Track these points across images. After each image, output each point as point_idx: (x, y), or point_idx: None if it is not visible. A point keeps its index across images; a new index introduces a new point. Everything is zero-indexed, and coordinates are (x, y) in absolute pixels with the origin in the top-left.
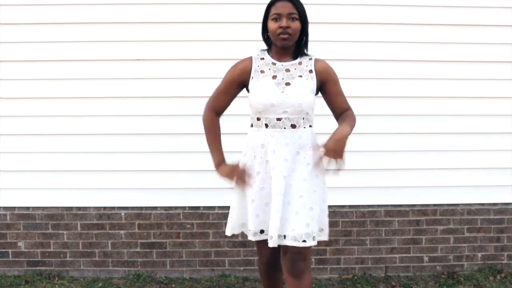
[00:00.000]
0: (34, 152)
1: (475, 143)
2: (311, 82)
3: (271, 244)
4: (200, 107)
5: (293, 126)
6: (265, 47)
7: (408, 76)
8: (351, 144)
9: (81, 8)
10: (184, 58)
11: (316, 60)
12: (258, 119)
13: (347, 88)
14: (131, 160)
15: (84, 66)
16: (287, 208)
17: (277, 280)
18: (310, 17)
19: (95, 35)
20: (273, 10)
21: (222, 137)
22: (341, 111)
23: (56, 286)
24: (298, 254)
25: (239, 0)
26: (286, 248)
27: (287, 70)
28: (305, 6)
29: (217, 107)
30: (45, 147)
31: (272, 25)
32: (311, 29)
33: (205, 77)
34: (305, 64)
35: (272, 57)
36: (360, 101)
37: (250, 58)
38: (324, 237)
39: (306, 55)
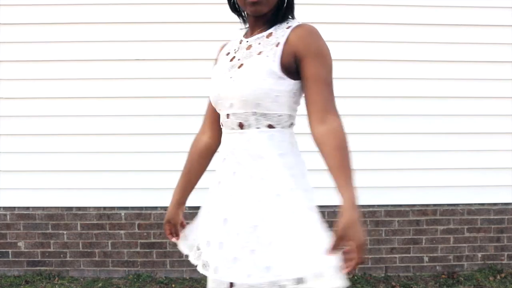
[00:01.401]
0: (34, 152)
1: (475, 143)
2: (270, 60)
3: (208, 274)
4: (200, 107)
5: (241, 125)
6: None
7: (408, 76)
8: (350, 144)
9: (81, 8)
10: (184, 58)
11: (297, 27)
12: (227, 116)
13: (346, 88)
14: (131, 160)
15: (84, 66)
16: (236, 240)
17: None
18: (310, 18)
19: (95, 35)
20: None
21: None
22: (317, 115)
23: (56, 286)
24: None
25: None
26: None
27: (249, 47)
28: (306, 6)
29: (207, 119)
30: (45, 147)
31: None
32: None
33: (205, 77)
34: (276, 36)
35: (246, 32)
36: (360, 101)
37: (228, 42)
38: (334, 283)
39: (287, 22)
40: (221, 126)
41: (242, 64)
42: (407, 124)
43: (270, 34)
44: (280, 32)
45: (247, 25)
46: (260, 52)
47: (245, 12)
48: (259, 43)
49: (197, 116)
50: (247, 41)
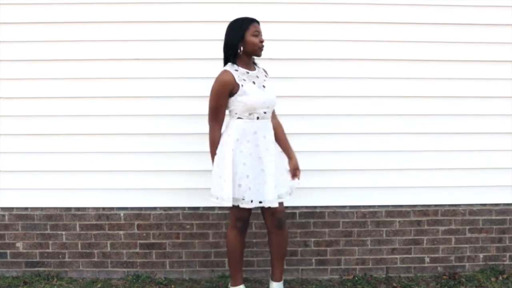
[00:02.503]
0: (33, 152)
1: (476, 143)
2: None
3: (275, 204)
4: (200, 107)
5: (268, 117)
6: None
7: (408, 76)
8: (351, 144)
9: (81, 8)
10: (184, 58)
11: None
12: (250, 113)
13: (346, 88)
14: (131, 160)
15: (84, 66)
16: (276, 177)
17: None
18: (310, 17)
19: (95, 35)
20: (253, 28)
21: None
22: None
23: (55, 287)
24: (282, 211)
25: (239, 0)
26: (274, 209)
27: (257, 77)
28: (306, 5)
29: (221, 121)
30: (45, 147)
31: (254, 39)
32: (313, 28)
33: (205, 77)
34: (260, 71)
35: (241, 68)
36: (359, 101)
37: (229, 72)
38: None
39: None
40: (253, 118)
41: (264, 86)
42: (408, 124)
43: (258, 69)
44: (259, 69)
45: (230, 64)
46: (265, 79)
47: (244, 53)
48: (258, 75)
49: (197, 116)
50: (251, 73)
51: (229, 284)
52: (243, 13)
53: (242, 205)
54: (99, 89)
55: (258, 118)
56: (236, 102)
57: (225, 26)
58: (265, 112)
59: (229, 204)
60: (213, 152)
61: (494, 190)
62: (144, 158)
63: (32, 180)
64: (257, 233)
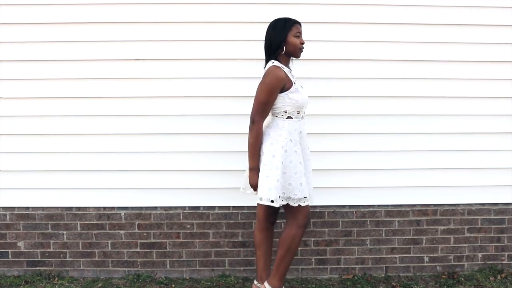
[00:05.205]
0: (34, 152)
1: (475, 143)
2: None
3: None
4: (200, 106)
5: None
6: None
7: (408, 76)
8: (351, 144)
9: (81, 8)
10: (184, 58)
11: None
12: (298, 112)
13: (346, 88)
14: (131, 160)
15: (84, 66)
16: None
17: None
18: (310, 17)
19: (95, 35)
20: (296, 29)
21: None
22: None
23: (56, 286)
24: None
25: (239, 0)
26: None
27: (294, 76)
28: (306, 6)
29: (266, 117)
30: (45, 147)
31: (295, 40)
32: (312, 28)
33: (205, 77)
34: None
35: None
36: (359, 101)
37: (281, 68)
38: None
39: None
40: (299, 117)
41: (301, 87)
42: (407, 124)
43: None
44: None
45: (275, 60)
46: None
47: (285, 53)
48: (294, 75)
49: (197, 116)
50: (291, 74)
51: (274, 284)
52: (242, 13)
53: (306, 203)
54: (99, 89)
55: (302, 117)
56: (287, 99)
57: (225, 27)
58: (304, 112)
59: (277, 205)
60: (256, 148)
61: (493, 190)
62: (144, 158)
63: (33, 180)
64: None
